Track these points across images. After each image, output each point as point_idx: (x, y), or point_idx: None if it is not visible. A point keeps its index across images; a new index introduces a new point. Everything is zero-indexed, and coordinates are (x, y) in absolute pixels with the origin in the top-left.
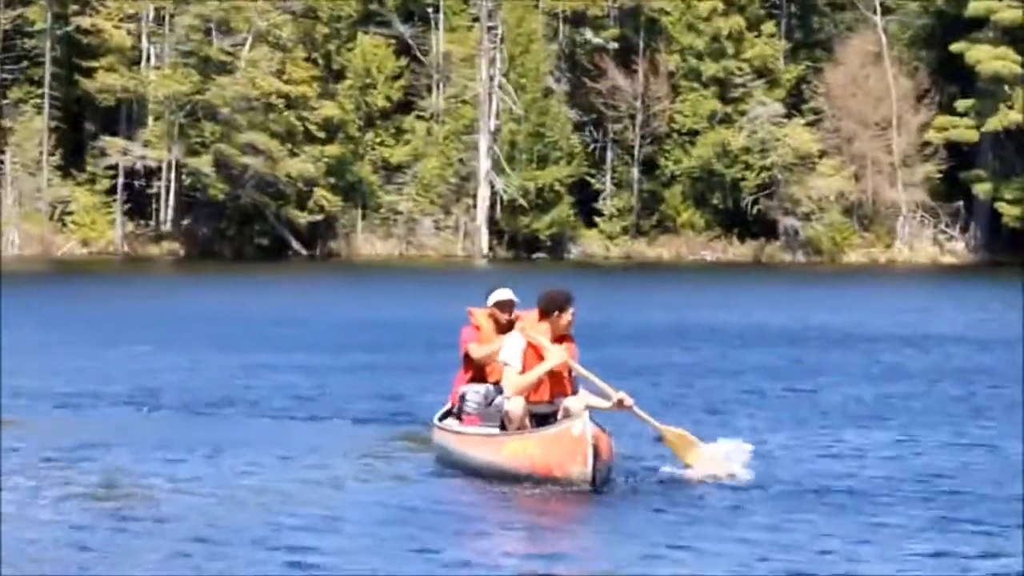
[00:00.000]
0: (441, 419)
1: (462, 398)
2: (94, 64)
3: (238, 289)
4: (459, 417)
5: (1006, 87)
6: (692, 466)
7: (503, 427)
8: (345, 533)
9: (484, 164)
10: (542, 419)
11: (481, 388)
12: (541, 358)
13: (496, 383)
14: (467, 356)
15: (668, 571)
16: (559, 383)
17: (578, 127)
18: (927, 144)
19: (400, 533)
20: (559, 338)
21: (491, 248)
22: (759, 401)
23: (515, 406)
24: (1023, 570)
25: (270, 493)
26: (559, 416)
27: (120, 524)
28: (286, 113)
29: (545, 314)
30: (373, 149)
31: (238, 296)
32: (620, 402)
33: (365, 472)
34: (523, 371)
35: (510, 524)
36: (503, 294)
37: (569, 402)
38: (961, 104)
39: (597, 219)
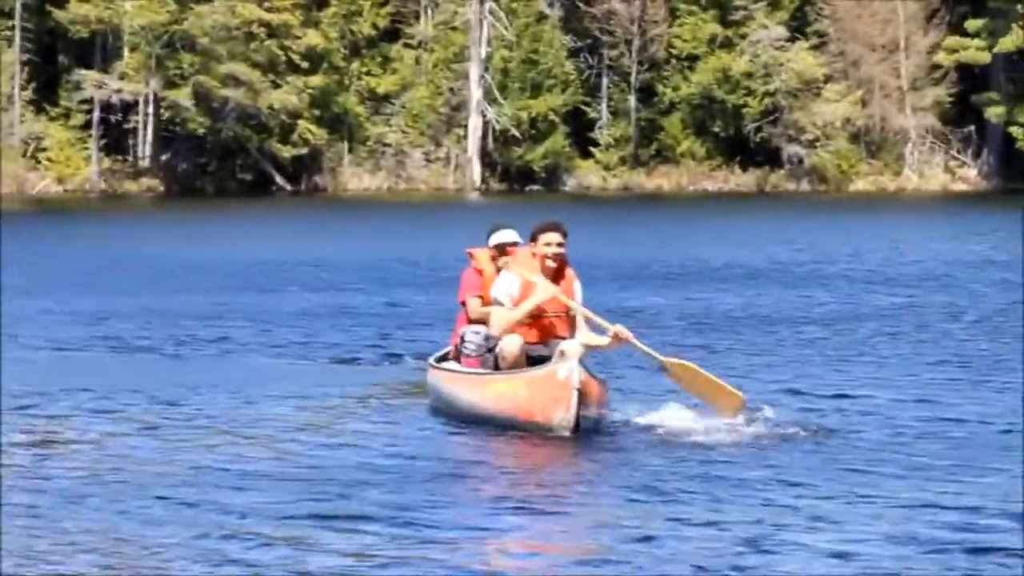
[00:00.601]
0: (439, 361)
1: (461, 339)
2: None
3: (219, 227)
4: (458, 360)
5: (1019, 6)
6: (700, 398)
7: (497, 368)
8: (316, 481)
9: (475, 93)
10: (537, 363)
11: (482, 329)
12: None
13: None
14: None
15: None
16: (553, 323)
17: (572, 54)
18: (936, 67)
19: (367, 480)
20: (554, 272)
21: (483, 181)
22: (757, 345)
23: (510, 344)
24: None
25: (252, 437)
26: (554, 359)
27: (95, 468)
28: (268, 42)
29: (533, 245)
30: (359, 79)
31: (220, 234)
32: (616, 336)
33: (346, 417)
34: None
35: (480, 477)
36: (505, 235)
37: (565, 344)
38: (971, 24)
39: (593, 149)
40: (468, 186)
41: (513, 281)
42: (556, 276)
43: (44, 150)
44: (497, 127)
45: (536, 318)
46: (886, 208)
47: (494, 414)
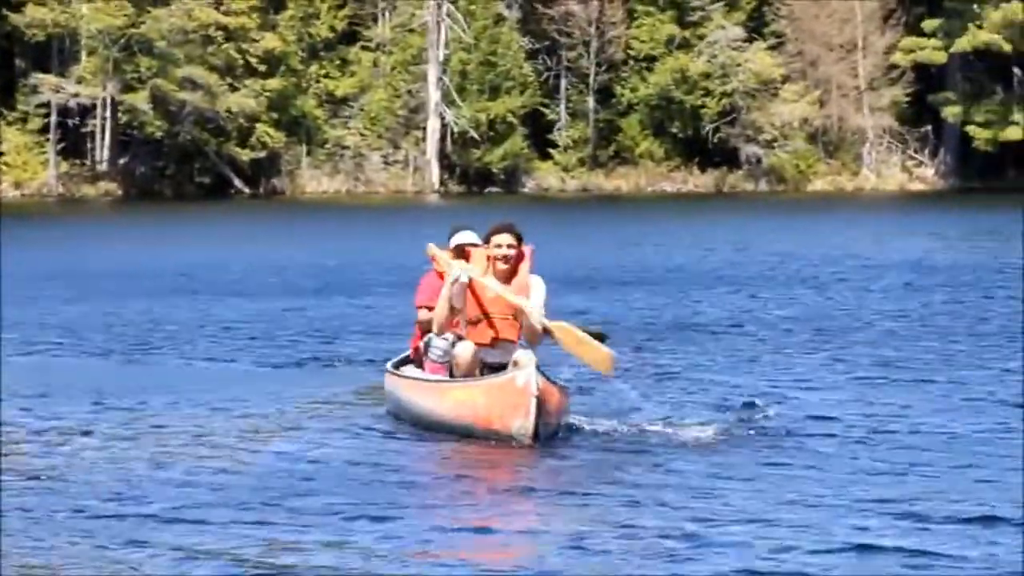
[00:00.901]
0: (397, 367)
1: (426, 345)
2: None
3: (177, 230)
4: (420, 365)
5: (975, 6)
6: (577, 356)
7: (451, 374)
8: (268, 489)
9: (433, 95)
10: (494, 371)
11: (450, 336)
12: (476, 295)
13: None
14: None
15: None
16: (496, 324)
17: (531, 55)
18: (894, 67)
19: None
20: (506, 273)
21: (442, 183)
22: (718, 348)
23: (463, 350)
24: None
25: (202, 445)
26: (509, 367)
27: (44, 475)
28: (225, 46)
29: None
30: (317, 82)
31: (174, 238)
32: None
33: (300, 423)
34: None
35: (441, 487)
36: (465, 237)
37: (519, 354)
38: (928, 24)
39: (552, 151)
40: (427, 188)
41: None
42: (508, 277)
43: (1, 154)
44: (455, 129)
45: (480, 319)
46: (841, 208)
47: (453, 422)
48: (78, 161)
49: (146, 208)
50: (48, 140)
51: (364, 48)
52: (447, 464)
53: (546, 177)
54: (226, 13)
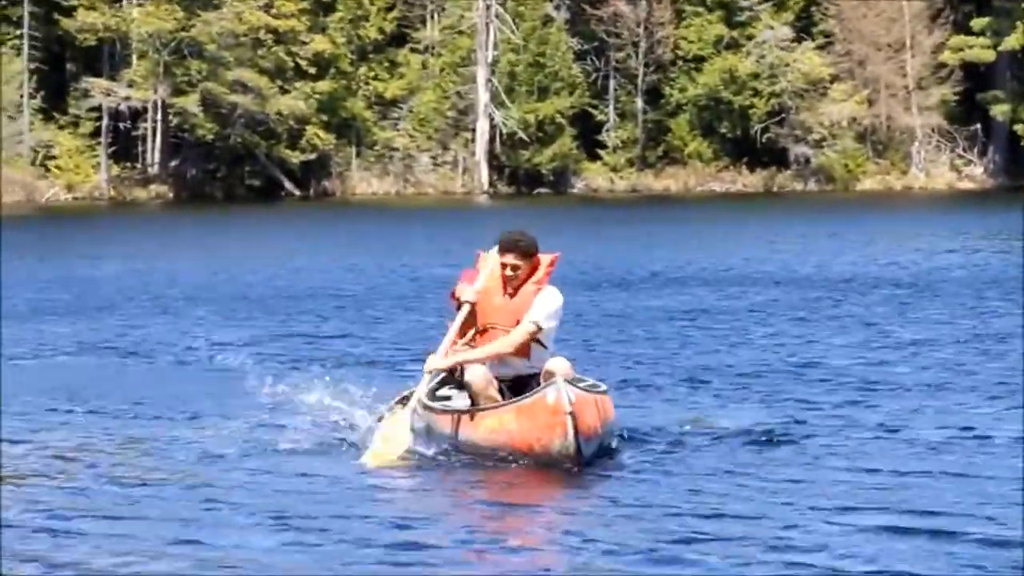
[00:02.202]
0: (439, 387)
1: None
2: (74, 2)
3: (226, 234)
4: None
5: (1023, 4)
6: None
7: (473, 403)
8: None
9: (482, 97)
10: (518, 384)
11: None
12: (482, 305)
13: None
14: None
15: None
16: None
17: (579, 56)
18: (942, 65)
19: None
20: (513, 289)
21: (492, 184)
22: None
23: (474, 376)
24: None
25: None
26: (541, 380)
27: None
28: (275, 48)
29: None
30: (366, 84)
31: (226, 242)
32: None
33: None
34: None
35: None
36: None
37: (552, 363)
38: (976, 23)
39: (601, 151)
40: (476, 189)
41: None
42: (514, 290)
43: (53, 158)
44: (504, 130)
45: (487, 329)
46: (889, 207)
47: (491, 452)
48: (129, 164)
49: (197, 211)
50: (99, 143)
51: (413, 50)
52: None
53: (595, 178)
54: (276, 16)
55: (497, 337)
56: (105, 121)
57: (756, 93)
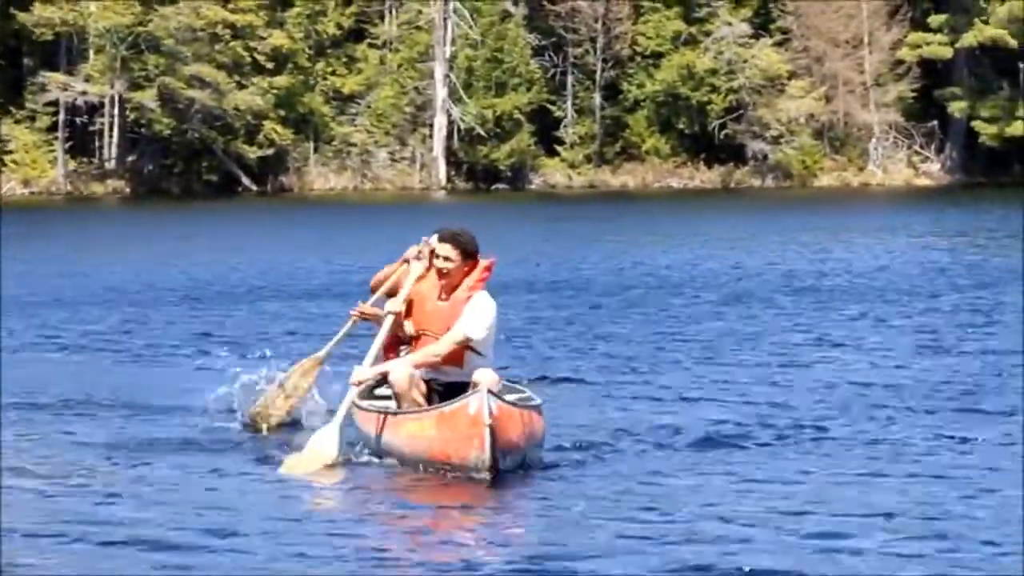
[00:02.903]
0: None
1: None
2: None
3: (183, 229)
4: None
5: (981, 1)
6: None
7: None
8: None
9: (440, 92)
10: (452, 391)
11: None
12: (414, 309)
13: None
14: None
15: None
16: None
17: (537, 52)
18: (900, 62)
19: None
20: (447, 287)
21: (449, 180)
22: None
23: (397, 376)
24: None
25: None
26: (470, 389)
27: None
28: (233, 43)
29: None
30: (324, 79)
31: (182, 235)
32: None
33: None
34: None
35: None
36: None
37: (479, 374)
38: (934, 20)
39: (558, 147)
40: (434, 185)
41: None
42: (449, 290)
43: (9, 152)
44: (462, 126)
45: (421, 335)
46: (846, 204)
47: (410, 457)
48: (86, 159)
49: (153, 206)
50: (56, 138)
51: (371, 45)
52: (400, 497)
53: (553, 174)
54: (233, 11)
55: (428, 344)
56: (62, 116)
57: (714, 89)
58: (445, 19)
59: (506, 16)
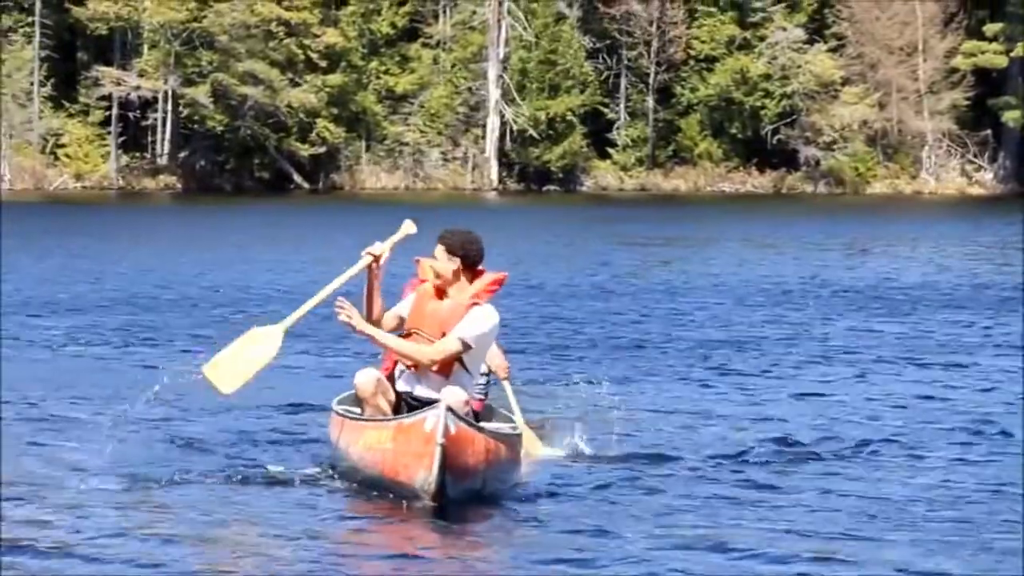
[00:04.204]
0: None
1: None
2: None
3: (237, 226)
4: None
5: None
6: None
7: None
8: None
9: (493, 93)
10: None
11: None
12: (416, 304)
13: None
14: None
15: None
16: (423, 343)
17: (591, 54)
18: (954, 70)
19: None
20: (441, 292)
21: (501, 180)
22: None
23: (363, 379)
24: None
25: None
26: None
27: None
28: (287, 41)
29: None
30: (377, 78)
31: (230, 234)
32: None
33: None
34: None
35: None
36: None
37: (447, 390)
38: (990, 28)
39: (611, 150)
40: (485, 186)
41: (408, 300)
42: (442, 295)
43: (63, 146)
44: (515, 127)
45: (407, 336)
46: (897, 212)
47: (363, 470)
48: (138, 154)
49: (205, 202)
50: (109, 133)
51: (424, 45)
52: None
53: (604, 176)
54: (288, 8)
55: (418, 343)
56: (115, 110)
57: (767, 94)
58: (499, 20)
59: (561, 18)
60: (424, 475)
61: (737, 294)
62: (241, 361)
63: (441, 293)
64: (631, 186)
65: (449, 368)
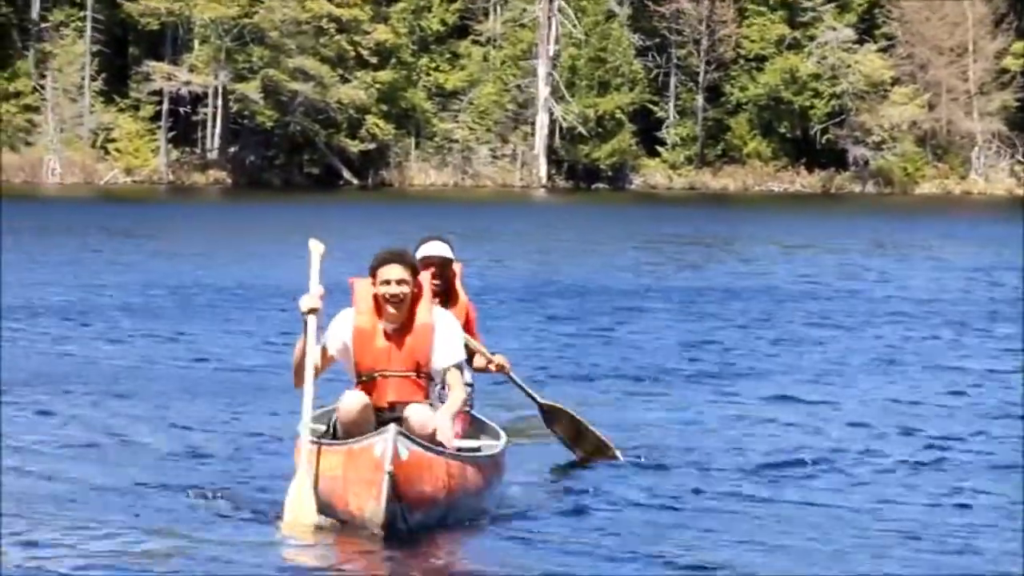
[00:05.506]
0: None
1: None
2: None
3: (290, 222)
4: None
5: None
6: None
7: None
8: None
9: (543, 90)
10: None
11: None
12: (362, 343)
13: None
14: None
15: None
16: (393, 384)
17: (640, 52)
18: (1004, 71)
19: None
20: (404, 318)
21: (550, 178)
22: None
23: (348, 402)
24: None
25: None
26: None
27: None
28: (337, 37)
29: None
30: (427, 75)
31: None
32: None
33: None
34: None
35: None
36: (431, 249)
37: (409, 410)
38: None
39: (660, 148)
40: (534, 183)
41: (344, 324)
42: (405, 322)
43: (113, 141)
44: (564, 124)
45: (372, 378)
46: (951, 212)
47: (320, 499)
48: (188, 149)
49: (254, 198)
50: (159, 127)
51: (474, 42)
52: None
53: (653, 174)
54: (339, 5)
55: (390, 385)
56: (165, 105)
57: (817, 94)
58: (549, 17)
59: (611, 16)
60: (372, 507)
61: (779, 297)
62: (299, 499)
63: (408, 320)
64: (680, 185)
65: (425, 388)
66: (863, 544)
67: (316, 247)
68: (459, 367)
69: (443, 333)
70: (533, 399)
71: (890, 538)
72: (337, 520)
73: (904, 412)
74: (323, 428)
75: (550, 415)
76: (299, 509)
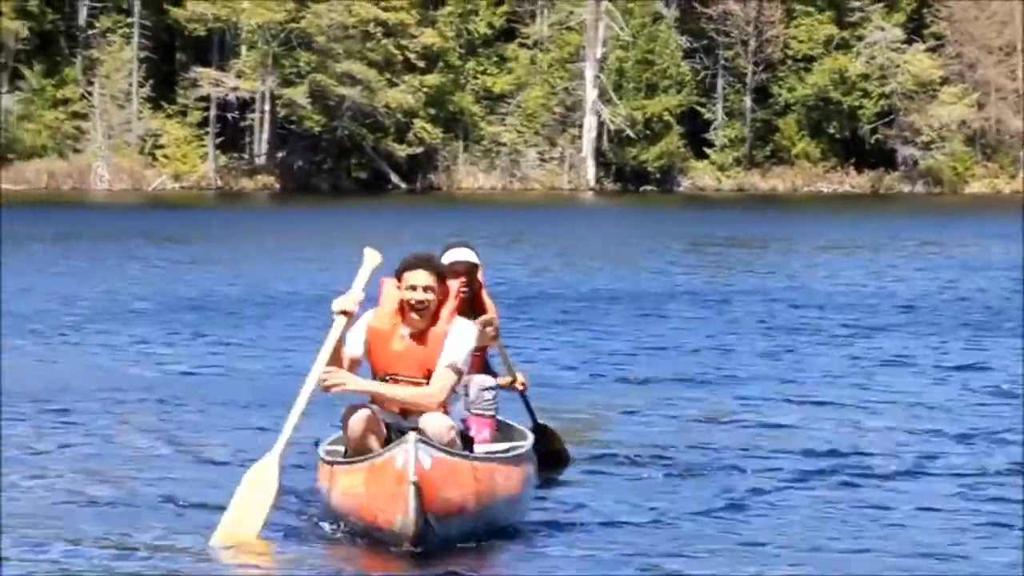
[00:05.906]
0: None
1: (466, 392)
2: None
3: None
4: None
5: None
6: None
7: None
8: None
9: (590, 93)
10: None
11: (491, 380)
12: (378, 346)
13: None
14: None
15: None
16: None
17: (688, 54)
18: None
19: None
20: (425, 323)
21: (598, 181)
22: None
23: (355, 420)
24: None
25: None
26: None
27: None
28: (384, 41)
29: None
30: (475, 78)
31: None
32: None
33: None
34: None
35: None
36: (457, 255)
37: (424, 420)
38: None
39: (708, 150)
40: (582, 186)
41: (359, 331)
42: (426, 328)
43: (161, 147)
44: (612, 127)
45: (384, 381)
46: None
47: (344, 518)
48: (236, 154)
49: (303, 202)
50: (207, 133)
51: (522, 45)
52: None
53: (702, 176)
54: (386, 9)
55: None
56: (213, 111)
57: (865, 94)
58: (597, 20)
59: (658, 18)
60: (401, 519)
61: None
62: (248, 509)
63: (430, 325)
64: (728, 186)
65: (448, 403)
66: (878, 554)
67: (373, 258)
68: (452, 368)
69: (451, 341)
70: (533, 419)
71: (904, 544)
72: (369, 538)
73: (940, 417)
74: (341, 449)
75: (544, 437)
76: (241, 522)
